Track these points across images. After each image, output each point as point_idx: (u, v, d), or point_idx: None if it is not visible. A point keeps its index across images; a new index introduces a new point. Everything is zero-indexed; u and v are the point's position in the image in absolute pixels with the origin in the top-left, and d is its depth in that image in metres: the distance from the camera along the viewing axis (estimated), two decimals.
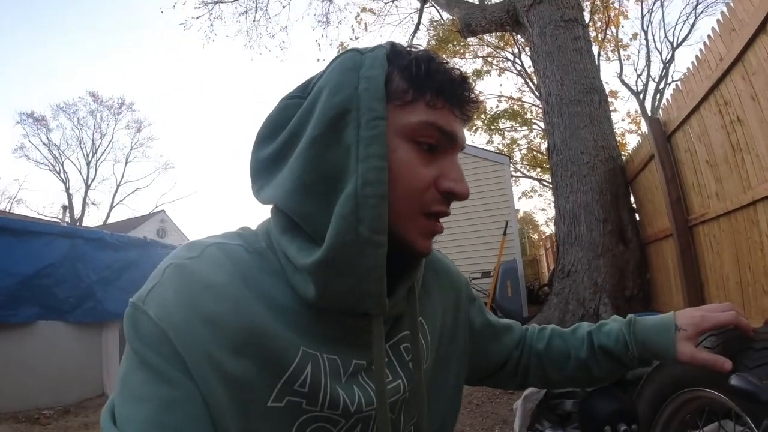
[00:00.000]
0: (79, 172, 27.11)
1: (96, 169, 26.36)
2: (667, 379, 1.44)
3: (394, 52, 0.49)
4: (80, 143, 26.04)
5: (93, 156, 26.14)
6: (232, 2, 10.07)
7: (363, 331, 0.51)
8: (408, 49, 0.50)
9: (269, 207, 0.55)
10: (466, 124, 0.52)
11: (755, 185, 2.48)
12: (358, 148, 0.45)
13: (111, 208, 26.56)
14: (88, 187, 25.95)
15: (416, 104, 0.48)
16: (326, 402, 0.48)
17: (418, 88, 0.47)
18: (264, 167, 0.53)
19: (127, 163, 27.37)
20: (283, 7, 11.80)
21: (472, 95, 0.50)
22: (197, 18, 10.58)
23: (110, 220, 24.84)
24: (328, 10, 11.60)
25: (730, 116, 2.65)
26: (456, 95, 0.49)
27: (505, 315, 6.14)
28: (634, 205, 5.13)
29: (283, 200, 0.50)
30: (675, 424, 1.42)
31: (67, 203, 24.54)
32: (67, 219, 22.47)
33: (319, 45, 19.30)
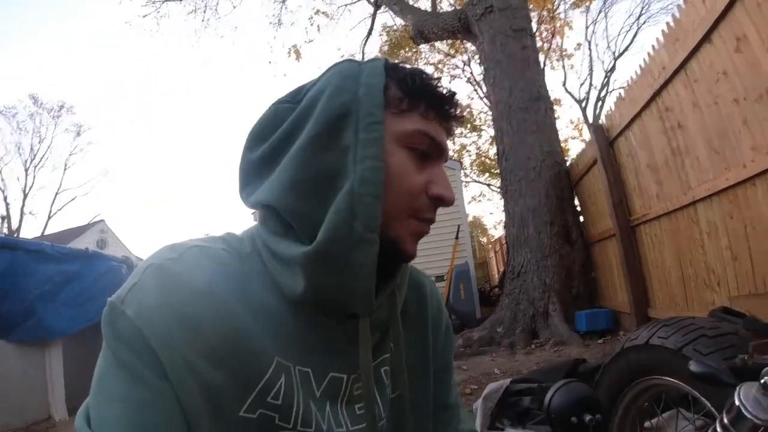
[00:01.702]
0: (17, 179, 25.06)
1: (34, 176, 24.36)
2: (624, 369, 1.50)
3: (390, 65, 0.52)
4: (19, 148, 24.40)
5: (31, 162, 24.14)
6: (180, 0, 9.73)
7: (346, 339, 0.50)
8: (402, 64, 0.54)
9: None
10: (449, 137, 0.55)
11: (695, 186, 2.66)
12: (356, 149, 0.46)
13: (49, 217, 24.62)
14: (26, 195, 23.88)
15: (411, 113, 0.50)
16: (299, 419, 0.47)
17: (414, 98, 0.50)
18: (254, 169, 0.54)
19: (66, 169, 25.59)
20: (234, 7, 11.53)
21: (459, 111, 0.54)
22: (144, 17, 10.15)
23: (48, 231, 23.34)
24: (281, 11, 11.44)
25: (671, 122, 2.83)
26: (445, 110, 0.52)
27: (459, 317, 6.26)
28: (578, 208, 5.39)
29: (277, 199, 0.50)
30: (633, 411, 1.48)
31: (5, 213, 22.63)
32: (5, 230, 20.83)
33: (271, 47, 18.98)
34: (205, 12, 10.20)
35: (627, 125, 3.49)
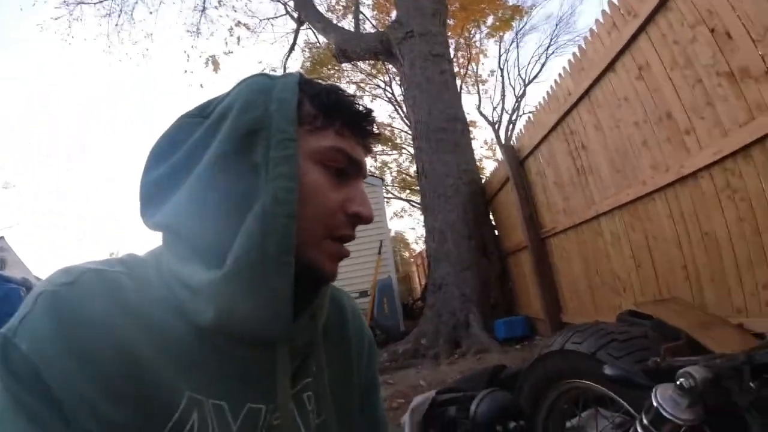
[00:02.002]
0: None
1: None
2: (542, 375, 1.57)
3: (304, 80, 0.51)
4: None
5: None
6: (95, 4, 9.05)
7: (263, 367, 0.47)
8: (317, 80, 0.54)
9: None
10: (367, 155, 0.54)
11: (599, 201, 2.91)
12: (268, 167, 0.45)
13: None
14: None
15: (326, 131, 0.49)
16: None
17: (328, 116, 0.49)
18: (157, 188, 0.50)
19: None
20: (150, 12, 10.90)
21: (375, 129, 0.54)
22: (56, 19, 9.34)
23: None
24: (200, 20, 10.97)
25: (576, 144, 3.10)
26: (361, 127, 0.52)
27: (383, 332, 6.27)
28: (494, 222, 5.68)
29: (182, 222, 0.47)
30: (555, 414, 1.55)
31: None
32: None
33: (188, 56, 18.00)
34: (120, 16, 9.55)
35: (536, 146, 3.76)
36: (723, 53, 1.83)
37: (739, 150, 1.84)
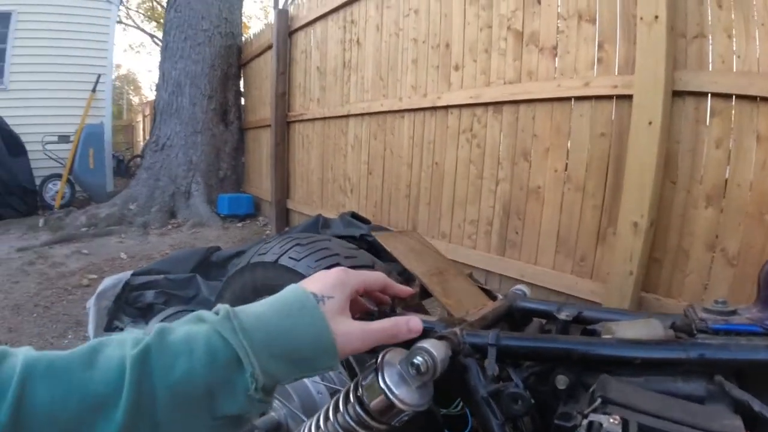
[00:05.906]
0: None
1: None
2: (248, 284, 1.43)
3: None
4: None
5: None
6: None
7: None
8: None
9: None
10: None
11: (354, 102, 2.86)
12: None
13: None
14: None
15: None
16: None
17: None
18: None
19: None
20: None
21: None
22: None
23: None
24: None
25: (352, 35, 2.91)
26: None
27: (86, 189, 5.23)
28: (242, 89, 5.20)
29: None
30: None
31: None
32: None
33: None
34: None
35: (311, 22, 3.43)
36: (524, 11, 1.85)
37: (493, 103, 1.97)
